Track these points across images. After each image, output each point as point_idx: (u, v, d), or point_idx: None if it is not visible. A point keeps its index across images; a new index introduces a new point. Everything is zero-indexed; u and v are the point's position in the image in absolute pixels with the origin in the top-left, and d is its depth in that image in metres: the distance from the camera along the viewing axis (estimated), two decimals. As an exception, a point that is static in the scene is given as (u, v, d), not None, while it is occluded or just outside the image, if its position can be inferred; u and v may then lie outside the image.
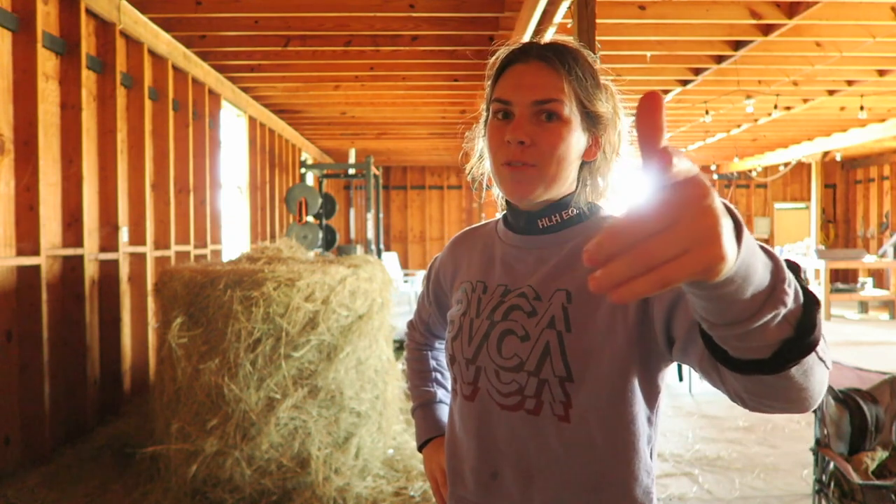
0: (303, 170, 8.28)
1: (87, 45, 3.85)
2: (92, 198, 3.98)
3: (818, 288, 8.87)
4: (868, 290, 9.59)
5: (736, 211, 0.48)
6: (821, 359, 0.60)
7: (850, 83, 6.51)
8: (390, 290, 3.68)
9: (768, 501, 3.02)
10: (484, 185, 1.05)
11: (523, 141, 0.89)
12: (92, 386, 3.84)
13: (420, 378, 1.25)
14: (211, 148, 5.88)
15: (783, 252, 10.21)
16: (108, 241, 4.12)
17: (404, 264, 13.52)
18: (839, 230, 13.84)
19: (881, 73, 6.05)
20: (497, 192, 1.01)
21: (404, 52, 5.39)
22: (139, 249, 4.45)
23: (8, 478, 3.08)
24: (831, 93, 6.78)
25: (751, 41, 4.90)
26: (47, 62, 3.49)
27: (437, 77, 6.25)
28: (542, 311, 0.91)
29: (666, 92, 6.66)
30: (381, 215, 9.55)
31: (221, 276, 2.94)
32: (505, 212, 1.03)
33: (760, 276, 0.51)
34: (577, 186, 0.97)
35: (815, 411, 2.43)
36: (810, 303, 0.57)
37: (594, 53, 1.06)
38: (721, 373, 0.67)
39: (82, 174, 3.68)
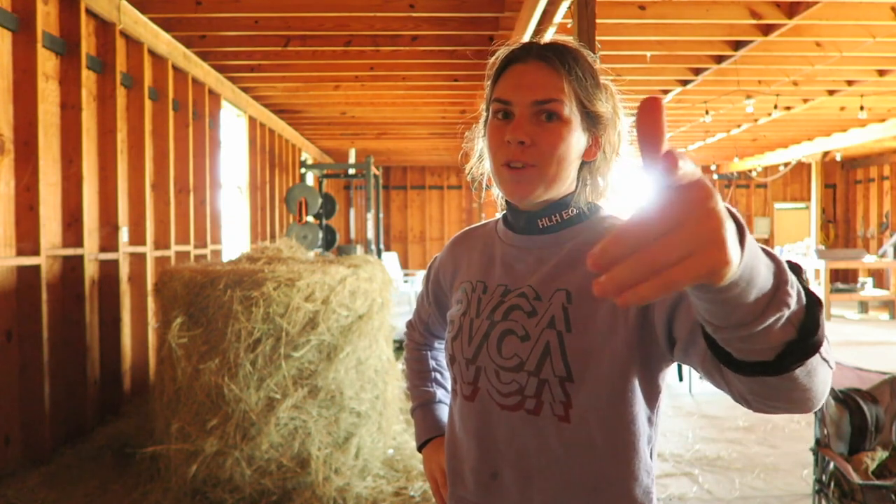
0: (303, 170, 8.28)
1: (87, 45, 3.85)
2: (92, 198, 3.98)
3: (818, 288, 8.88)
4: (868, 290, 9.59)
5: (738, 214, 0.48)
6: (824, 359, 0.60)
7: (850, 83, 6.51)
8: (390, 290, 3.68)
9: (768, 501, 3.02)
10: (483, 186, 1.05)
11: (523, 141, 0.89)
12: (92, 386, 3.84)
13: (419, 378, 1.25)
14: (211, 148, 5.88)
15: (783, 252, 10.21)
16: (108, 241, 4.12)
17: (404, 264, 13.53)
18: (839, 230, 13.84)
19: (881, 73, 6.05)
20: (497, 192, 1.01)
21: (404, 52, 5.39)
22: (139, 249, 4.45)
23: (8, 478, 3.08)
24: (831, 93, 6.78)
25: (751, 41, 4.90)
26: (47, 62, 3.49)
27: (437, 77, 6.25)
28: (542, 310, 0.91)
29: (666, 92, 6.66)
30: (381, 215, 9.55)
31: (221, 276, 2.94)
32: (505, 211, 1.03)
33: (763, 278, 0.51)
34: (576, 186, 0.97)
35: (815, 411, 2.43)
36: (813, 304, 0.57)
37: (594, 53, 1.06)
38: (724, 374, 0.67)
39: (82, 174, 3.68)
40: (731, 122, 8.56)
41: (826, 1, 4.11)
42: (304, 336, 2.92)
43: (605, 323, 0.87)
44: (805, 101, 7.15)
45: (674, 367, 0.94)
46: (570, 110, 0.90)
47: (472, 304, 0.99)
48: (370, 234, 7.81)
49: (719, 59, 5.53)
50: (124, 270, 4.30)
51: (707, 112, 7.12)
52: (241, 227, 7.27)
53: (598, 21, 3.09)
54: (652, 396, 0.90)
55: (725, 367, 0.61)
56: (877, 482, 2.15)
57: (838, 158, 12.53)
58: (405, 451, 3.41)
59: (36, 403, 3.29)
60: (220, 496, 2.80)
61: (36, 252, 3.26)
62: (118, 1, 4.07)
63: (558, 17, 3.72)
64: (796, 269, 0.59)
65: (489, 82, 0.97)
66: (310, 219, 6.97)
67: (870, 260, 9.41)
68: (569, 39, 0.96)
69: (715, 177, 13.52)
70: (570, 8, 3.31)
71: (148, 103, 4.56)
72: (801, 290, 0.56)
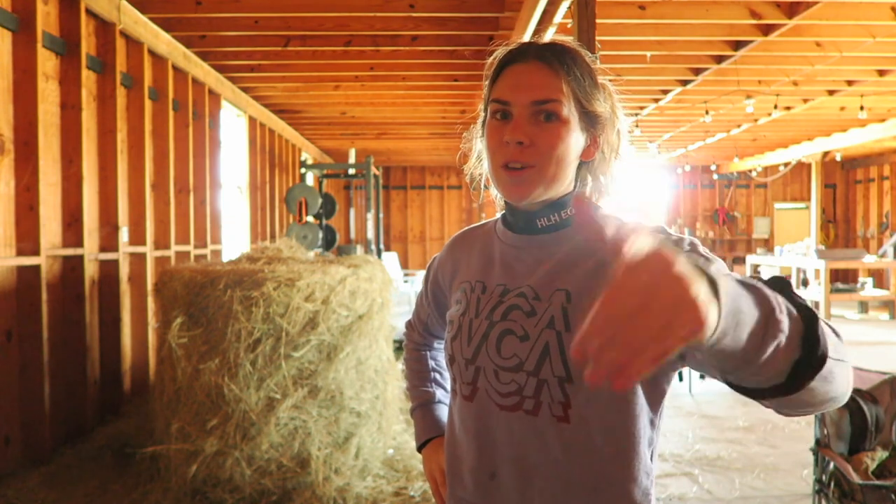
0: (303, 170, 8.28)
1: (87, 45, 3.85)
2: (92, 198, 3.98)
3: (818, 288, 8.88)
4: (868, 290, 9.59)
5: (707, 266, 0.48)
6: (837, 360, 0.61)
7: (850, 83, 6.51)
8: (390, 290, 3.68)
9: (768, 501, 3.02)
10: (482, 186, 1.05)
11: (522, 141, 0.89)
12: (92, 386, 3.84)
13: (419, 378, 1.25)
14: (211, 148, 5.88)
15: (783, 252, 10.20)
16: (108, 241, 4.12)
17: (404, 264, 13.52)
18: (839, 230, 13.84)
19: (881, 73, 6.05)
20: (496, 192, 1.01)
21: (404, 52, 5.39)
22: (139, 249, 4.45)
23: (8, 478, 3.08)
24: (831, 93, 6.78)
25: (751, 41, 4.90)
26: (47, 62, 3.49)
27: (437, 77, 6.25)
28: (541, 311, 0.90)
29: (666, 92, 6.66)
30: (381, 215, 9.55)
31: (221, 276, 2.94)
32: (504, 211, 1.02)
33: (750, 315, 0.53)
34: (575, 186, 0.97)
35: (814, 411, 2.43)
36: (809, 318, 0.58)
37: (594, 53, 1.06)
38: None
39: (82, 174, 3.68)
40: (731, 122, 8.56)
41: (826, 1, 4.11)
42: (304, 336, 2.92)
43: (604, 323, 0.86)
44: (805, 101, 7.15)
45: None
46: (569, 110, 0.90)
47: (472, 304, 0.99)
48: (370, 234, 7.81)
49: (719, 59, 5.53)
50: (124, 270, 4.30)
51: (707, 112, 7.11)
52: (241, 227, 7.27)
53: (597, 21, 3.09)
54: (655, 399, 0.90)
55: (745, 396, 0.65)
56: (877, 482, 2.15)
57: (838, 158, 12.53)
58: (405, 451, 3.41)
59: (36, 403, 3.29)
60: (220, 496, 2.80)
61: (36, 252, 3.26)
62: (118, 1, 4.07)
63: (558, 17, 3.72)
64: (782, 284, 0.60)
65: (487, 82, 0.97)
66: (310, 219, 6.97)
67: (870, 260, 9.41)
68: (567, 39, 0.96)
69: (715, 177, 13.52)
70: (570, 8, 3.31)
71: (148, 103, 4.56)
72: (792, 307, 0.57)
